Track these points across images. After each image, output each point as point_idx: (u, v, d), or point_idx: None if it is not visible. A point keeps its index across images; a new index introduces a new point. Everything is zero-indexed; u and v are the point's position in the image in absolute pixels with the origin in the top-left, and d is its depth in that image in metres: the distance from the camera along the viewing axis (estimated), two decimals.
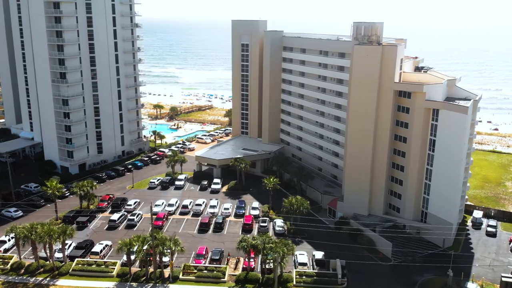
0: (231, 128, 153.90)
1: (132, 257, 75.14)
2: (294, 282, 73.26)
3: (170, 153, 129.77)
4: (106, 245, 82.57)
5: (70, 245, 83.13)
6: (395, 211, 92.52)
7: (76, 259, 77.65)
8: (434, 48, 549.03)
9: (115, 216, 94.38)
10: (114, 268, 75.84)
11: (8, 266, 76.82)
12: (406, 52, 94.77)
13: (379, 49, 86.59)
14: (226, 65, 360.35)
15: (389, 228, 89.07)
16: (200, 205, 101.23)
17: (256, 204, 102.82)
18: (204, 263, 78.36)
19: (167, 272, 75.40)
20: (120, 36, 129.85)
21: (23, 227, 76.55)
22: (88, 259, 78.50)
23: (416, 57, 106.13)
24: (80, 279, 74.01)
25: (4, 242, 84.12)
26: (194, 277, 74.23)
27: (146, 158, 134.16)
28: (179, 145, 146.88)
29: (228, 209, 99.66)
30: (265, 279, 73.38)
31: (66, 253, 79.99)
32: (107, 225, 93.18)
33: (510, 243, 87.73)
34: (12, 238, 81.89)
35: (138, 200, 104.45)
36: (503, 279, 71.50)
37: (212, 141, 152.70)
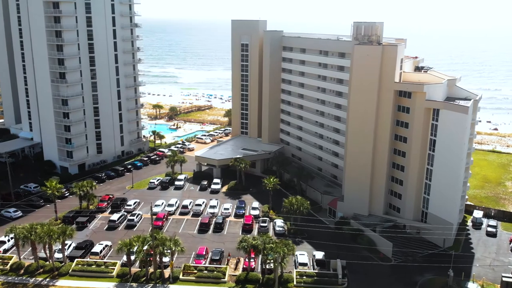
0: (230, 128, 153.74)
1: (132, 257, 74.96)
2: (295, 282, 73.12)
3: (169, 153, 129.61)
4: (106, 246, 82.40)
5: (70, 245, 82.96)
6: (395, 211, 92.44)
7: (76, 260, 77.44)
8: (434, 48, 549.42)
9: (115, 217, 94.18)
10: (114, 269, 75.66)
11: (8, 266, 76.62)
12: (406, 52, 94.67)
13: (379, 49, 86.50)
14: (226, 65, 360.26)
15: (389, 228, 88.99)
16: (200, 205, 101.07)
17: (256, 204, 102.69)
18: (204, 264, 78.22)
19: (167, 272, 75.22)
20: (120, 36, 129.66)
21: (23, 227, 76.32)
22: (88, 259, 78.29)
23: (416, 57, 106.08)
24: (80, 280, 73.80)
25: (3, 242, 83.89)
26: (194, 278, 74.07)
27: (145, 158, 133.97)
28: (179, 145, 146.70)
29: (228, 209, 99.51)
30: (265, 279, 73.24)
31: (66, 253, 79.80)
32: (106, 226, 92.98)
33: (510, 243, 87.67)
34: (11, 238, 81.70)
35: (137, 200, 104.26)
36: (504, 279, 71.45)
37: (212, 141, 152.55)
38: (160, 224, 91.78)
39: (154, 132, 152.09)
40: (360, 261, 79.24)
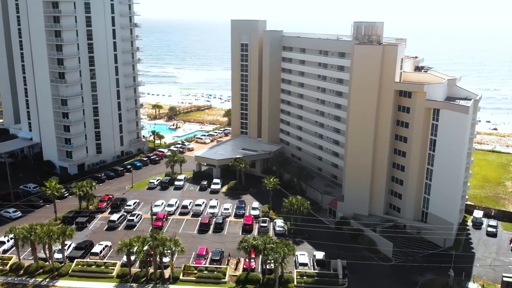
0: (230, 128, 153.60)
1: (132, 257, 74.76)
2: (295, 283, 72.99)
3: (169, 153, 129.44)
4: (106, 246, 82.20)
5: (70, 245, 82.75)
6: (395, 211, 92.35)
7: (76, 260, 77.20)
8: (433, 48, 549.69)
9: (115, 217, 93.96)
10: (114, 269, 75.46)
11: (7, 267, 76.38)
12: (406, 52, 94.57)
13: (380, 49, 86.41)
14: (225, 65, 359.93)
15: (390, 228, 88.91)
16: (200, 205, 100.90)
17: (256, 204, 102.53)
18: (205, 264, 78.06)
19: (167, 272, 75.05)
20: (119, 35, 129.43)
21: (22, 227, 76.10)
22: (88, 259, 78.08)
23: (416, 57, 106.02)
24: (79, 280, 73.60)
25: (3, 243, 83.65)
26: (194, 278, 73.92)
27: (145, 158, 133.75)
28: (178, 145, 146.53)
29: (228, 209, 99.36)
30: (265, 279, 73.10)
31: (66, 254, 79.57)
32: (106, 226, 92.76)
33: (510, 243, 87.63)
34: (11, 239, 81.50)
35: (137, 201, 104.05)
36: (504, 279, 71.35)
37: (212, 141, 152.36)
38: (160, 224, 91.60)
39: (153, 132, 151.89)
40: (360, 261, 79.13)
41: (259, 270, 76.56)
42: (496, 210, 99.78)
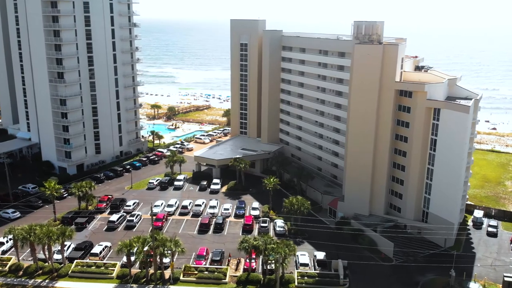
0: (229, 128, 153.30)
1: (132, 258, 74.41)
2: (296, 283, 72.72)
3: (168, 153, 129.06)
4: (106, 246, 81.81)
5: (69, 246, 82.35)
6: (396, 211, 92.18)
7: (75, 261, 76.84)
8: (432, 47, 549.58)
9: (114, 217, 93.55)
10: (114, 270, 75.11)
11: (7, 268, 75.94)
12: (405, 51, 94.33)
13: (380, 48, 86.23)
14: (224, 65, 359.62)
15: (390, 228, 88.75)
16: (199, 205, 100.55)
17: (256, 204, 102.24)
18: (205, 264, 77.75)
19: (167, 273, 74.72)
20: (118, 35, 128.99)
21: (22, 228, 75.67)
22: (88, 260, 77.73)
23: (416, 56, 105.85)
24: (79, 281, 73.23)
25: (2, 243, 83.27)
26: (195, 278, 73.62)
27: (144, 159, 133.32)
28: (178, 145, 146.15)
29: (228, 209, 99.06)
30: (266, 280, 72.84)
31: (65, 254, 79.15)
32: (106, 226, 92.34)
33: (511, 243, 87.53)
34: (10, 239, 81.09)
35: (137, 201, 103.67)
36: (506, 278, 71.22)
37: (211, 141, 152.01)
38: (160, 224, 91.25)
39: (152, 132, 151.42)
40: (361, 261, 78.90)
41: (259, 271, 76.30)
42: (496, 210, 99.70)
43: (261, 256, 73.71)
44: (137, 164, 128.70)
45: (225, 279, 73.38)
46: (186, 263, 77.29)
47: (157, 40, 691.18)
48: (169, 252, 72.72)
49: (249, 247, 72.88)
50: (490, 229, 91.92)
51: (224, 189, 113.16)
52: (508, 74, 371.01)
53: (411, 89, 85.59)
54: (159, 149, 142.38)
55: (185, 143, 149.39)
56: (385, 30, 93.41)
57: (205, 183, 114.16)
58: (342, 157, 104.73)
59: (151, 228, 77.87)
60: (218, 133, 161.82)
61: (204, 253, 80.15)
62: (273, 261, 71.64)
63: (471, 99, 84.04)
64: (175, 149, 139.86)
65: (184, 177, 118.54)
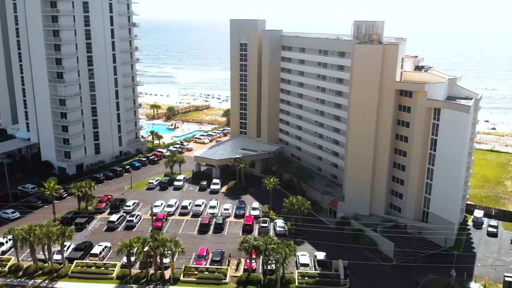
0: (229, 128, 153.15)
1: (132, 258, 74.22)
2: (297, 283, 72.57)
3: (168, 153, 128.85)
4: (106, 247, 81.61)
5: (69, 246, 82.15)
6: (396, 211, 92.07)
7: (75, 261, 76.65)
8: (432, 47, 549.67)
9: (114, 217, 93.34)
10: (114, 270, 74.93)
11: (6, 268, 75.75)
12: (405, 51, 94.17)
13: (381, 48, 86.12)
14: (223, 65, 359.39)
15: (390, 228, 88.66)
16: (199, 205, 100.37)
17: (256, 204, 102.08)
18: (205, 265, 77.56)
19: (167, 273, 74.56)
20: (118, 35, 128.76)
21: (21, 228, 75.41)
22: (87, 261, 77.54)
23: (416, 56, 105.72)
24: (79, 281, 73.04)
25: (1, 244, 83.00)
26: (195, 279, 73.45)
27: (144, 159, 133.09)
28: (177, 145, 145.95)
29: (228, 209, 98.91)
30: (267, 280, 72.69)
31: (65, 255, 78.93)
32: (105, 226, 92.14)
33: (511, 243, 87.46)
34: (10, 240, 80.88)
35: (136, 201, 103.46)
36: (506, 278, 71.14)
37: (210, 141, 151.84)
38: (160, 225, 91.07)
39: (152, 132, 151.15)
40: (361, 261, 78.79)
41: (260, 271, 76.14)
42: (496, 209, 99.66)
43: (261, 256, 73.53)
44: (137, 164, 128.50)
45: (225, 280, 73.23)
46: (186, 264, 77.14)
47: (156, 40, 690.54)
48: (169, 252, 72.57)
49: (249, 247, 72.72)
50: (490, 229, 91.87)
51: (224, 189, 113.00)
52: (507, 74, 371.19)
53: (411, 89, 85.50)
54: (159, 149, 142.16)
55: (185, 143, 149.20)
56: (384, 30, 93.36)
57: (205, 183, 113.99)
58: (342, 157, 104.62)
59: (151, 228, 77.74)
60: (217, 133, 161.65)
61: (204, 253, 79.98)
62: (273, 261, 71.48)
63: (471, 99, 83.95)
64: (174, 149, 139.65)
65: (184, 177, 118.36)
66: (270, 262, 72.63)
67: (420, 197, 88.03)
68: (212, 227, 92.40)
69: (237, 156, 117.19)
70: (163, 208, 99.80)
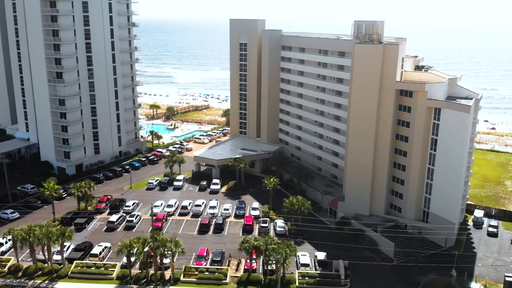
0: (228, 128, 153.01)
1: (132, 259, 74.06)
2: (297, 284, 72.42)
3: (168, 153, 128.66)
4: (105, 247, 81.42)
5: (69, 247, 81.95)
6: (396, 211, 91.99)
7: (75, 262, 76.45)
8: (431, 47, 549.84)
9: (114, 218, 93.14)
10: (114, 270, 74.74)
11: (6, 269, 75.52)
12: (405, 51, 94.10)
13: (381, 48, 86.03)
14: (222, 65, 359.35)
15: (391, 228, 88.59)
16: (199, 205, 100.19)
17: (256, 204, 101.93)
18: (205, 265, 77.39)
19: (168, 274, 74.39)
20: (117, 35, 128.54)
21: (21, 229, 75.14)
22: (87, 261, 77.35)
23: (416, 56, 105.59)
24: (79, 282, 72.84)
25: (1, 244, 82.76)
26: (195, 279, 73.29)
27: (143, 159, 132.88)
28: (177, 145, 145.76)
29: (228, 209, 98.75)
30: (267, 280, 72.54)
31: (65, 255, 78.71)
32: (105, 227, 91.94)
33: (511, 243, 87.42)
34: (9, 240, 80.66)
35: (136, 201, 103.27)
36: (507, 278, 71.04)
37: (210, 141, 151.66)
38: (160, 225, 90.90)
39: (152, 132, 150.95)
40: (362, 261, 78.68)
41: (260, 271, 76.00)
42: (496, 209, 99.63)
43: (261, 257, 73.36)
44: (136, 164, 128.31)
45: (225, 280, 73.08)
46: (187, 264, 76.98)
47: (155, 40, 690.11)
48: (170, 252, 72.40)
49: (250, 247, 72.57)
50: (490, 229, 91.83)
51: (224, 189, 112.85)
52: (506, 74, 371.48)
53: (411, 89, 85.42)
54: (158, 149, 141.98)
55: (184, 143, 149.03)
56: (384, 29, 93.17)
57: (204, 183, 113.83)
58: (342, 157, 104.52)
59: (151, 228, 77.58)
60: (217, 133, 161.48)
61: (205, 254, 79.82)
62: (274, 262, 71.37)
63: (471, 98, 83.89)
64: (174, 149, 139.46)
65: (184, 177, 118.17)
66: (270, 262, 72.49)
67: (421, 197, 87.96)
68: (212, 227, 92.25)
69: (237, 156, 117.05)
70: (163, 208, 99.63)
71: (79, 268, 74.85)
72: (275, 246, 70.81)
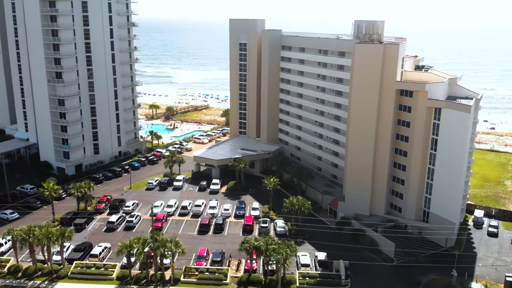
0: (228, 128, 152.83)
1: (132, 259, 73.89)
2: (298, 284, 72.30)
3: (167, 153, 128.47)
4: (105, 247, 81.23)
5: (68, 247, 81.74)
6: (396, 211, 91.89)
7: (75, 262, 76.27)
8: (431, 47, 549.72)
9: (114, 218, 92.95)
10: (113, 271, 74.56)
11: (5, 269, 75.32)
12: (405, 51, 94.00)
13: (381, 48, 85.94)
14: (221, 65, 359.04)
15: (391, 228, 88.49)
16: (199, 206, 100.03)
17: (256, 204, 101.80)
18: (205, 265, 77.23)
19: (168, 274, 74.23)
20: (117, 35, 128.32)
21: (21, 229, 74.85)
22: (87, 261, 77.17)
23: (416, 56, 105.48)
24: (79, 282, 72.65)
25: (1, 244, 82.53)
26: (195, 279, 73.14)
27: (143, 159, 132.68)
28: (176, 145, 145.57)
29: (228, 210, 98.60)
30: (267, 280, 72.42)
31: (64, 255, 78.48)
32: (105, 227, 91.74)
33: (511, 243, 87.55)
34: (8, 240, 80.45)
35: (136, 201, 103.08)
36: (508, 278, 70.98)
37: (210, 141, 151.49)
38: (160, 225, 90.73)
39: (151, 132, 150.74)
40: (362, 261, 78.57)
41: (260, 272, 75.85)
42: (496, 209, 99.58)
43: (262, 257, 73.23)
44: (136, 165, 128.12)
45: (226, 280, 72.95)
46: (187, 264, 76.83)
47: (154, 40, 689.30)
48: (170, 253, 72.23)
49: (250, 247, 72.43)
50: (490, 229, 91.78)
51: (223, 189, 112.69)
52: (506, 74, 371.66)
53: (412, 89, 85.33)
54: (158, 149, 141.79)
55: (184, 143, 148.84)
56: (384, 29, 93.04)
57: (204, 183, 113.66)
58: (342, 157, 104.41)
59: (151, 228, 77.40)
60: (217, 133, 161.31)
61: (205, 254, 79.67)
62: (274, 262, 71.23)
63: (471, 98, 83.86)
64: (174, 149, 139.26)
65: (184, 178, 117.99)
66: (271, 262, 72.33)
67: (421, 197, 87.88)
68: (212, 228, 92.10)
69: (237, 156, 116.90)
70: (163, 208, 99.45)
71: (79, 268, 74.66)
72: (275, 246, 70.69)
